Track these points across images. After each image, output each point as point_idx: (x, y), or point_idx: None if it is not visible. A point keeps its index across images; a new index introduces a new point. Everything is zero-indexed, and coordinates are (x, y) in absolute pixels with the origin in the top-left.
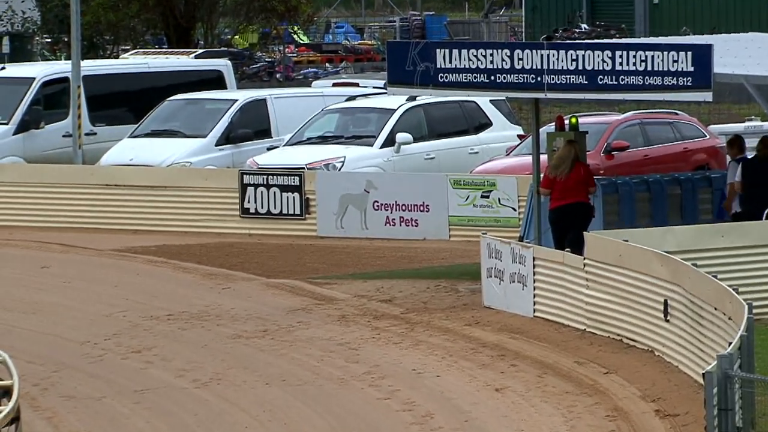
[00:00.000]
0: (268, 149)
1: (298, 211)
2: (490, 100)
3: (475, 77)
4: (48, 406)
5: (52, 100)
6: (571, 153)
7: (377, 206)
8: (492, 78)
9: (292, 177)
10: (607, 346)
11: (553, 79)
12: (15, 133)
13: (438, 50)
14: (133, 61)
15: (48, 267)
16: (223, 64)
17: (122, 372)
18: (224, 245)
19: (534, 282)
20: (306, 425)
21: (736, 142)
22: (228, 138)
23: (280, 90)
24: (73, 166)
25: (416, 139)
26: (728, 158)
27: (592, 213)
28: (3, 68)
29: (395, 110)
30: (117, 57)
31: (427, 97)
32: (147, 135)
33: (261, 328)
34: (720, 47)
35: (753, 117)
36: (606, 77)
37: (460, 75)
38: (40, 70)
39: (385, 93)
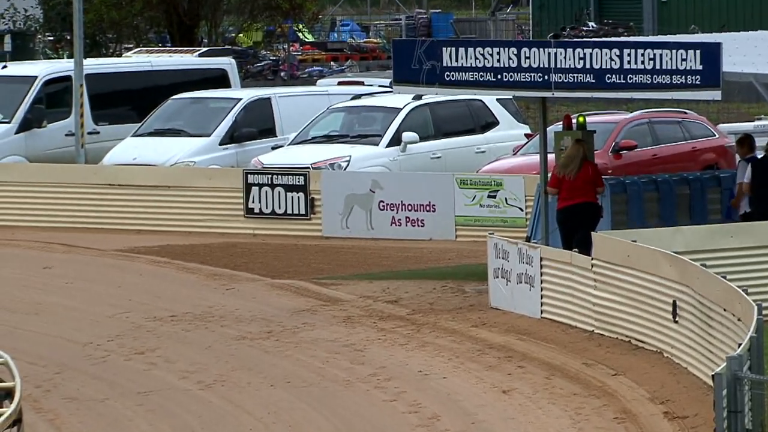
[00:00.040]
0: (273, 148)
1: (303, 211)
2: (497, 99)
3: (481, 76)
4: (50, 407)
5: (54, 98)
6: (580, 152)
7: (383, 206)
8: (499, 76)
9: (297, 177)
10: (615, 348)
11: (560, 78)
12: (17, 132)
13: (444, 48)
14: (136, 60)
15: (50, 267)
16: (227, 63)
17: (125, 373)
18: (228, 245)
19: (541, 283)
20: (311, 427)
21: (746, 141)
22: (232, 137)
23: (285, 89)
24: (75, 166)
25: (422, 139)
26: (738, 157)
27: (600, 213)
28: (5, 66)
29: (401, 109)
30: (120, 55)
31: (433, 95)
32: (150, 134)
33: (265, 329)
34: (729, 45)
35: (763, 116)
36: (614, 76)
37: (467, 73)
38: (42, 69)
39: (391, 92)
